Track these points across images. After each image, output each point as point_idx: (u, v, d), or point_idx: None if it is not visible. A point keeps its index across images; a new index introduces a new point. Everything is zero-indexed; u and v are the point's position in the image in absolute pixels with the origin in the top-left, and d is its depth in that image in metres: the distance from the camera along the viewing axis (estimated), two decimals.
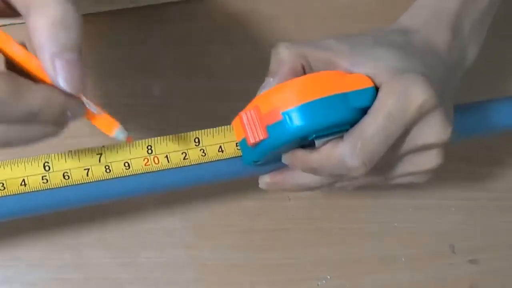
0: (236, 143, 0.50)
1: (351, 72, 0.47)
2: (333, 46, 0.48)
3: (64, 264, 0.60)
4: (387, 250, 0.65)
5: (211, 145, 0.49)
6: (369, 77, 0.46)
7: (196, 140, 0.49)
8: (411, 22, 0.52)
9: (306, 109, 0.45)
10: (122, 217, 0.62)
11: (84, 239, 0.61)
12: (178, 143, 0.49)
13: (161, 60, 0.65)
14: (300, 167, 0.49)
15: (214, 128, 0.50)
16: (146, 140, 0.49)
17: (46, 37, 0.39)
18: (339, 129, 0.46)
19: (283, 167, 0.51)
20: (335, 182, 0.51)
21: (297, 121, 0.45)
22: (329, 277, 0.63)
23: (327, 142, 0.46)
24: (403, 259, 0.65)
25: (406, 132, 0.46)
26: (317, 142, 0.46)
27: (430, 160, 0.48)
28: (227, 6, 0.67)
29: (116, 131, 0.43)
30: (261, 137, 0.46)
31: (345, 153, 0.46)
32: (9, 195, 0.47)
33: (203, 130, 0.50)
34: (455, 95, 0.52)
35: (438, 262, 0.65)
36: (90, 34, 0.64)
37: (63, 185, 0.48)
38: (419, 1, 0.53)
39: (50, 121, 0.40)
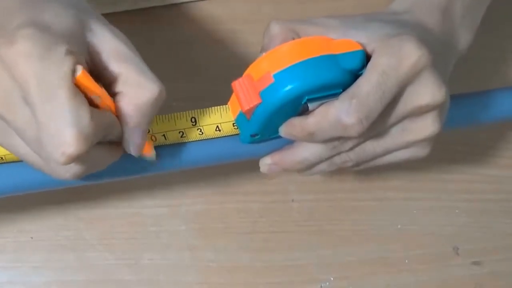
0: (233, 123, 0.50)
1: None
2: (323, 22, 0.49)
3: (68, 266, 0.60)
4: (390, 251, 0.64)
5: (208, 124, 0.50)
6: (361, 44, 0.46)
7: (193, 120, 0.50)
8: (401, 6, 0.52)
9: (296, 69, 0.45)
10: (126, 218, 0.62)
11: (88, 240, 0.61)
12: (175, 122, 0.49)
13: (164, 62, 0.65)
14: (298, 135, 0.49)
15: (210, 108, 0.50)
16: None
17: (139, 110, 0.43)
18: (332, 92, 0.46)
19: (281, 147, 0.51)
20: (334, 155, 0.50)
21: (288, 81, 0.45)
22: (332, 278, 0.63)
23: (321, 105, 0.47)
24: (406, 261, 0.65)
25: (400, 91, 0.46)
26: (310, 106, 0.46)
27: (427, 125, 0.48)
28: (230, 8, 0.67)
29: (152, 152, 0.49)
30: (255, 102, 0.46)
31: (341, 110, 0.45)
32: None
33: (199, 110, 0.50)
34: (449, 82, 0.51)
35: (441, 264, 0.65)
36: None
37: None
38: None
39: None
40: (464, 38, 0.53)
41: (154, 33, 0.65)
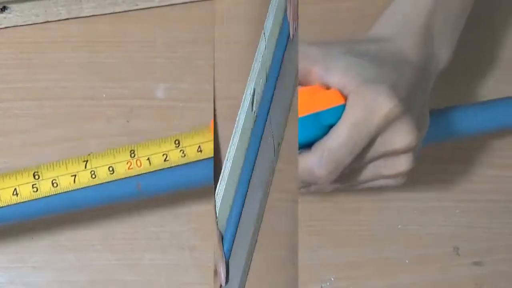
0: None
1: (324, 79, 0.49)
2: (308, 53, 0.51)
3: (68, 266, 0.60)
4: (391, 252, 0.64)
5: (190, 145, 0.52)
6: (338, 87, 0.49)
7: (176, 142, 0.52)
8: (383, 31, 0.54)
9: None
10: (127, 219, 0.62)
11: (88, 241, 0.61)
12: (160, 146, 0.52)
13: (165, 62, 0.65)
14: None
15: (194, 129, 0.53)
16: (130, 145, 0.52)
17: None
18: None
19: None
20: (309, 186, 0.53)
21: None
22: (332, 279, 0.63)
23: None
24: (407, 261, 0.65)
25: (372, 140, 0.49)
26: None
27: (400, 164, 0.51)
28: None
29: None
30: None
31: (313, 163, 0.48)
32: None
33: (183, 133, 0.53)
34: (429, 99, 0.53)
35: (442, 264, 0.65)
36: (94, 36, 0.64)
37: (52, 193, 0.51)
38: (390, 9, 0.55)
39: None
40: (444, 55, 0.55)
41: (154, 33, 0.65)
